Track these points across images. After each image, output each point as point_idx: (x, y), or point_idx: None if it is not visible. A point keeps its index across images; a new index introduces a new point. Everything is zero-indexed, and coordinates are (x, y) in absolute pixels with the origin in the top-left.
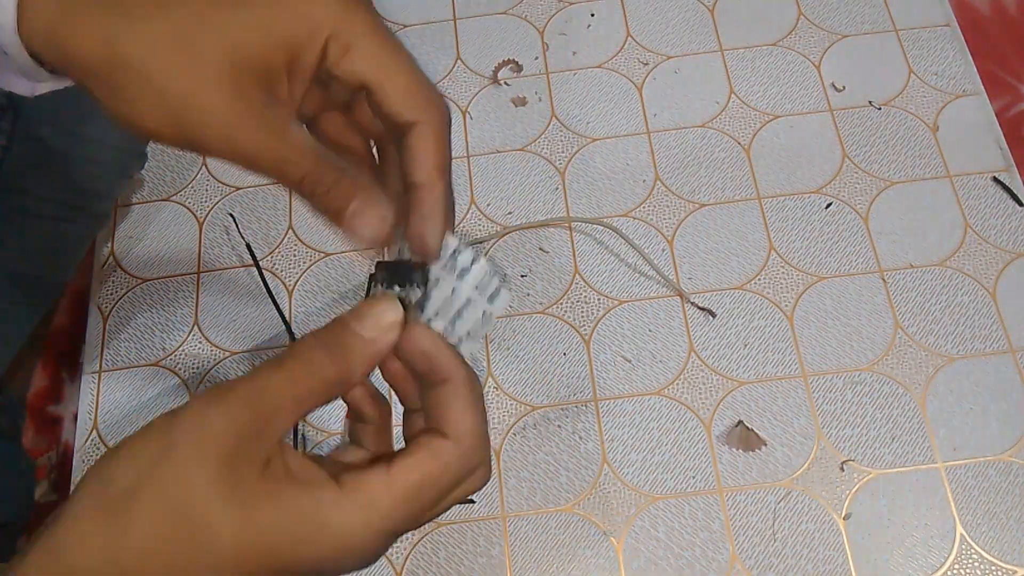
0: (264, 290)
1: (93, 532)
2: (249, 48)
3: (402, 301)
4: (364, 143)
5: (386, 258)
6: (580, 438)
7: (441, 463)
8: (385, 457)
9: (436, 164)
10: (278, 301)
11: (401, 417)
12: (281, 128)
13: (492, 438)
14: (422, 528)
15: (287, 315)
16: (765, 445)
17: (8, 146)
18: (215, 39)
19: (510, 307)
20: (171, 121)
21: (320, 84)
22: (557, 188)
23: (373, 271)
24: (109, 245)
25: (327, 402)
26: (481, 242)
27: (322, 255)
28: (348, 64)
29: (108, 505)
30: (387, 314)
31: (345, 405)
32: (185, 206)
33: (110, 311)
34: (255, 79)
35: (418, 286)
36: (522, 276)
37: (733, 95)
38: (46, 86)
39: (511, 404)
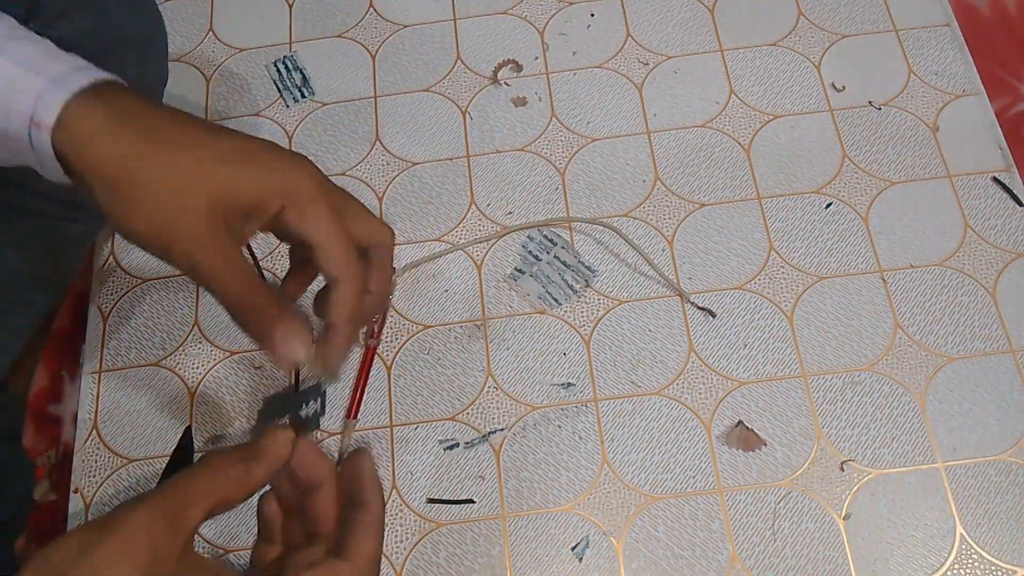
0: None
1: None
2: (227, 196)
3: (304, 421)
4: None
5: (279, 390)
6: (580, 438)
7: None
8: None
9: (349, 316)
10: None
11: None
12: (234, 260)
13: (496, 438)
14: (422, 528)
15: None
16: (765, 445)
17: None
18: (206, 183)
19: (511, 307)
20: (156, 233)
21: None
22: (557, 188)
23: (262, 406)
24: (109, 245)
25: (234, 501)
26: (483, 240)
27: None
28: (297, 227)
29: None
30: (282, 435)
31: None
32: None
33: (110, 311)
34: (224, 218)
35: (314, 402)
36: (522, 275)
37: (733, 95)
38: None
39: (511, 404)
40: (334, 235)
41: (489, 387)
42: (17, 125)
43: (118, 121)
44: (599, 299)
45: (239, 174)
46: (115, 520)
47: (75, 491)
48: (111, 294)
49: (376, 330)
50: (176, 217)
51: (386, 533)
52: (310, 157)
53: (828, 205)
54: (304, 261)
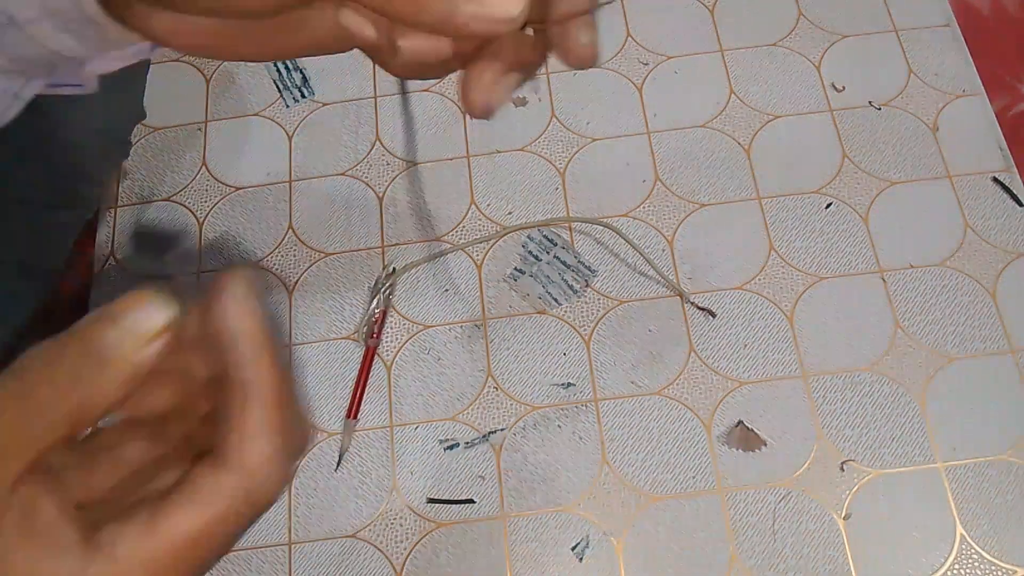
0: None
1: None
2: None
3: None
4: None
5: None
6: (580, 438)
7: (218, 508)
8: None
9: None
10: (279, 301)
11: None
12: None
13: (496, 438)
14: (422, 528)
15: (288, 316)
16: (765, 445)
17: None
18: None
19: (511, 307)
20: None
21: None
22: (557, 188)
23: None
24: (109, 245)
25: (78, 430)
26: (483, 240)
27: (322, 255)
28: None
29: None
30: (148, 318)
31: None
32: (185, 206)
33: None
34: None
35: None
36: (521, 275)
37: (733, 95)
38: (111, 62)
39: (511, 404)
40: None
41: (489, 387)
42: None
43: None
44: (599, 299)
45: None
46: None
47: None
48: (111, 294)
49: (376, 330)
50: None
51: (386, 534)
52: (310, 157)
53: (828, 205)
54: None
